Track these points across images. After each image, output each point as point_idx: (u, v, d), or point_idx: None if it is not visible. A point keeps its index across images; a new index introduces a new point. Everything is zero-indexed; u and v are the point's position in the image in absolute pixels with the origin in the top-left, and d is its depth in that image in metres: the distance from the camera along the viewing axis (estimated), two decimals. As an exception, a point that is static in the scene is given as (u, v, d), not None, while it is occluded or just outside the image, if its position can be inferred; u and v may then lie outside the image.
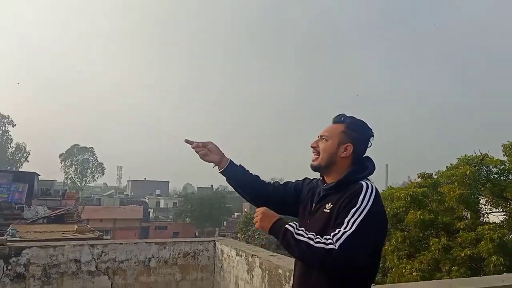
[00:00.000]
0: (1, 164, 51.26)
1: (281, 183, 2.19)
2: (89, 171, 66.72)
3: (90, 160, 67.01)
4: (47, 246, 4.72)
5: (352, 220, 1.65)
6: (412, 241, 9.86)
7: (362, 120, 1.96)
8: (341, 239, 1.60)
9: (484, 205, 10.27)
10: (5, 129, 54.26)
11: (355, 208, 1.67)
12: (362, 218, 1.65)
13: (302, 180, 2.12)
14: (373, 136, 1.94)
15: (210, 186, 69.45)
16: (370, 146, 1.93)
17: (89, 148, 67.24)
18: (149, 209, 56.38)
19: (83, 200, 43.42)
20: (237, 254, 4.78)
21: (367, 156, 1.94)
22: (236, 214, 54.58)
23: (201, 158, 2.08)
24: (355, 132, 1.90)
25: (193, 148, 2.08)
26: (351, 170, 1.85)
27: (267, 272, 4.05)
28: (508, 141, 10.37)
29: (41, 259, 4.60)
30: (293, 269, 3.55)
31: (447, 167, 10.74)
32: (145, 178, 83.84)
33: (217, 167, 2.10)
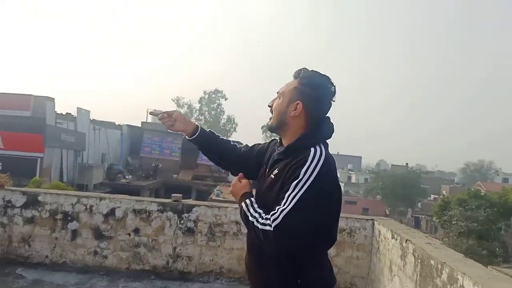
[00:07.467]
0: (214, 133, 59.36)
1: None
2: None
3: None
4: (212, 206, 5.21)
5: (292, 195, 1.51)
6: None
7: (321, 75, 1.68)
8: (277, 219, 1.50)
9: None
10: (219, 102, 62.00)
11: (296, 181, 1.52)
12: (302, 194, 1.50)
13: (269, 142, 1.96)
14: (333, 93, 1.67)
15: (405, 165, 65.78)
16: (331, 105, 1.69)
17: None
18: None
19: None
20: (392, 237, 4.34)
21: (326, 117, 1.72)
22: (432, 196, 50.65)
23: (168, 129, 1.99)
24: (308, 88, 1.66)
25: (159, 119, 1.96)
26: (302, 135, 1.67)
27: (419, 261, 3.54)
28: None
29: (208, 218, 5.10)
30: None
31: None
32: (337, 152, 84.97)
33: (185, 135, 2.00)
